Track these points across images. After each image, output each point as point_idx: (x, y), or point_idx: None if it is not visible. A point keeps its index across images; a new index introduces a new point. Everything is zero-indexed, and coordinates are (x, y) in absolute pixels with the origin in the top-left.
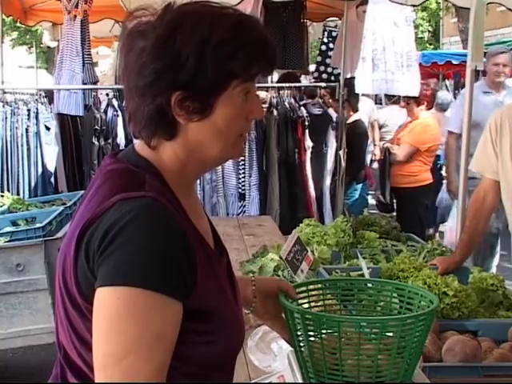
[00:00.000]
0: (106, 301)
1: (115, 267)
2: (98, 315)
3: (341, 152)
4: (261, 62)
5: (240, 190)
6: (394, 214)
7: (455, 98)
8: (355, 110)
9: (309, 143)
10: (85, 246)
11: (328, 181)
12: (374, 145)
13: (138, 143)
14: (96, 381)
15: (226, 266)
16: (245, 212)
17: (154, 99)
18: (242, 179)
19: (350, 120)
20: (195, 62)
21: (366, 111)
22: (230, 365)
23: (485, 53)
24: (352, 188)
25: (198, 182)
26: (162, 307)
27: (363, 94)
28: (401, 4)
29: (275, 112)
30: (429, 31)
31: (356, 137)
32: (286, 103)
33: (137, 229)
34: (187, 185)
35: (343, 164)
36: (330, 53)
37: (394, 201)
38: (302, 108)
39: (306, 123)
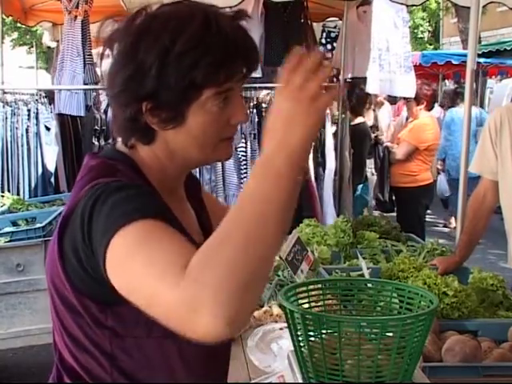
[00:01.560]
0: (117, 247)
1: (106, 225)
2: (118, 264)
3: (346, 153)
4: (227, 67)
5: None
6: (394, 214)
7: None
8: (358, 114)
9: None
10: (69, 236)
11: (327, 180)
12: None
13: (119, 141)
14: (149, 301)
15: None
16: None
17: (126, 108)
18: (244, 179)
19: (356, 122)
20: (157, 72)
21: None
22: (223, 354)
23: (484, 53)
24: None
25: None
26: (164, 227)
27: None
28: (401, 4)
29: None
30: (429, 31)
31: (359, 138)
32: None
33: (110, 192)
34: (169, 182)
35: (349, 164)
36: (328, 54)
37: (394, 200)
38: None
39: None
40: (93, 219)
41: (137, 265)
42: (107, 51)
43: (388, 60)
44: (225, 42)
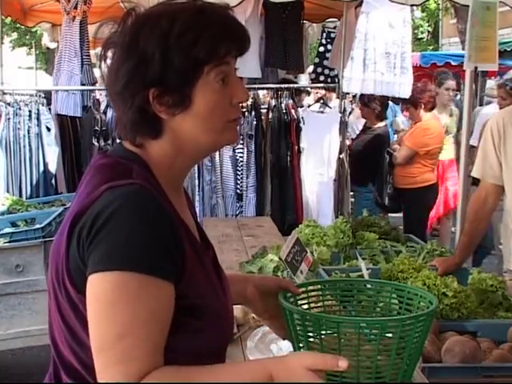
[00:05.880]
0: (98, 285)
1: (105, 253)
2: (91, 301)
3: (342, 155)
4: (226, 41)
5: (238, 191)
6: (394, 214)
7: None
8: (381, 118)
9: (303, 145)
10: (77, 235)
11: (319, 183)
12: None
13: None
14: (95, 365)
15: (213, 260)
16: (242, 213)
17: (133, 100)
18: (240, 180)
19: (377, 125)
20: (160, 56)
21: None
22: (219, 357)
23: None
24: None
25: (197, 183)
26: (153, 289)
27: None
28: (401, 4)
29: (270, 114)
30: (428, 32)
31: (378, 143)
32: (282, 105)
33: (125, 215)
34: (176, 180)
35: (346, 167)
36: (328, 54)
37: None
38: (299, 110)
39: (301, 125)
40: (100, 234)
41: (103, 320)
42: (108, 53)
43: (374, 60)
44: (220, 19)
